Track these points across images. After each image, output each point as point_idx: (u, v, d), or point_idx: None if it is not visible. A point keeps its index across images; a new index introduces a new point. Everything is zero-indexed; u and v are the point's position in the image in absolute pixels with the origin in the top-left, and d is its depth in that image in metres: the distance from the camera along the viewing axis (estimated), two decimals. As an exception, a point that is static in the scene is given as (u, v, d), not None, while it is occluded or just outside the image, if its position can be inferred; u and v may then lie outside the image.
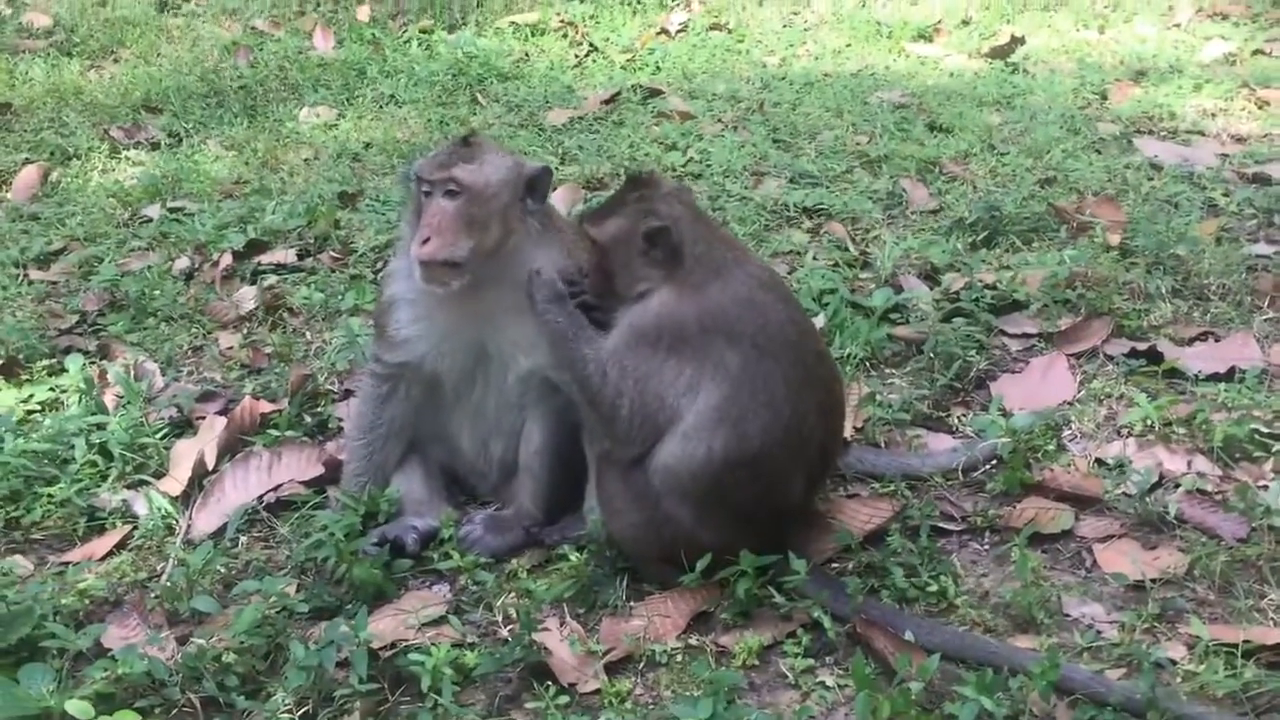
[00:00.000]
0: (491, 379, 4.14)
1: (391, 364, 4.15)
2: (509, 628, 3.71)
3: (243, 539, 4.18)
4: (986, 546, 3.97)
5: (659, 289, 3.68)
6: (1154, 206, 5.96)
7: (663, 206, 3.74)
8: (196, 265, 6.10)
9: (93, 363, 5.20)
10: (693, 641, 3.62)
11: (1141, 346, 4.81)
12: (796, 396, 3.58)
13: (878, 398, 4.61)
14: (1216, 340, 4.88)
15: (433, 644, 3.53)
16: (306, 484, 4.36)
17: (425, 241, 3.86)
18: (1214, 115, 7.28)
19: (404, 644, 3.62)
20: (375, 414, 4.22)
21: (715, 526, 3.64)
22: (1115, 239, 5.53)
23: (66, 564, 4.09)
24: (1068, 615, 3.63)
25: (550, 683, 3.43)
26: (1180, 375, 4.67)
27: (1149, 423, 4.37)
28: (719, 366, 3.55)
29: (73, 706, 3.31)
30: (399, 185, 6.60)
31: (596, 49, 9.18)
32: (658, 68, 8.81)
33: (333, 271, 5.94)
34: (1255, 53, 8.27)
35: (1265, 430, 4.27)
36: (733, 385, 3.54)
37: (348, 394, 4.88)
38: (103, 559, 4.13)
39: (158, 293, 5.72)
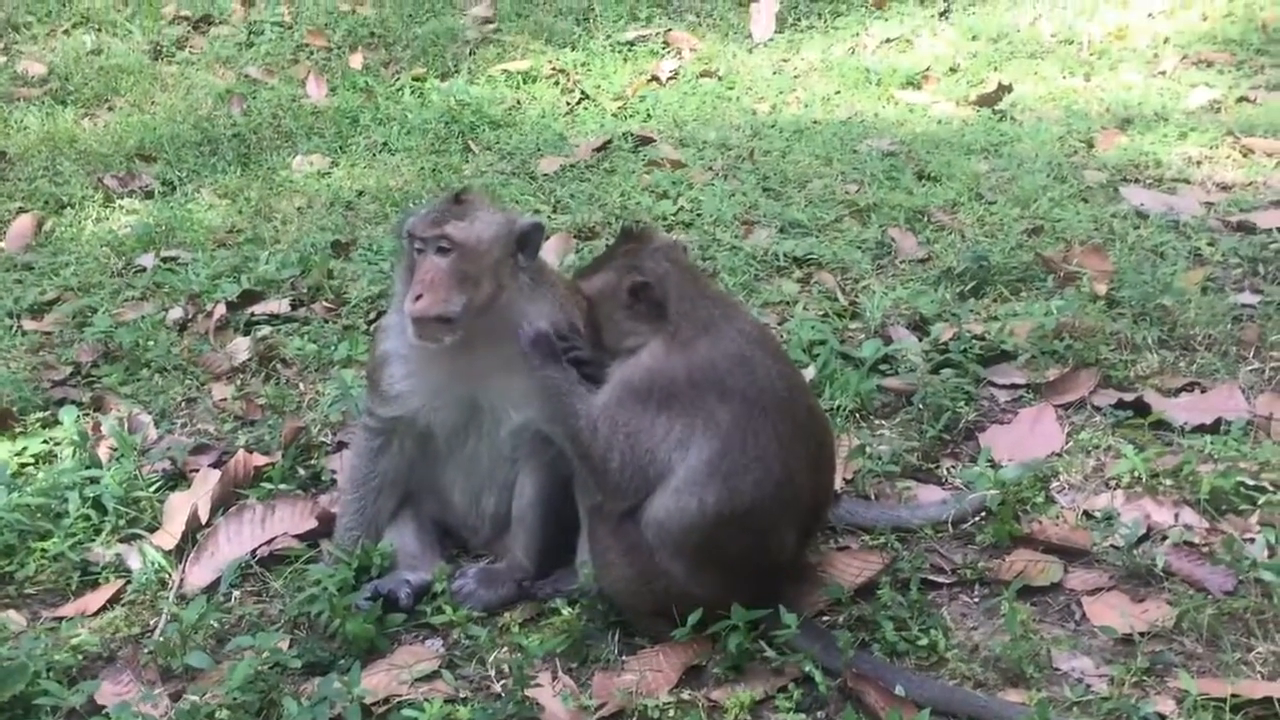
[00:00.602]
0: (484, 433, 4.17)
1: (384, 418, 4.18)
2: (501, 683, 3.73)
3: (236, 593, 4.20)
4: (976, 599, 4.00)
5: (649, 343, 3.72)
6: (1140, 256, 6.01)
7: (649, 262, 3.79)
8: (190, 315, 6.13)
9: (86, 414, 5.21)
10: (684, 696, 3.63)
11: (1128, 397, 4.84)
12: (787, 451, 3.62)
13: (867, 449, 4.64)
14: (1203, 391, 4.92)
15: (426, 699, 3.56)
16: (300, 537, 4.38)
17: (418, 298, 3.89)
18: (1199, 163, 7.34)
19: (397, 699, 3.64)
20: (368, 468, 4.24)
21: (707, 580, 3.66)
22: (1102, 289, 5.58)
23: (60, 619, 4.10)
24: (1057, 669, 3.66)
25: (542, 739, 3.46)
26: (1167, 426, 4.71)
27: (1136, 474, 4.41)
28: (710, 422, 3.59)
29: (66, 765, 3.34)
30: (392, 235, 6.63)
31: (588, 96, 9.25)
32: (649, 115, 8.88)
33: (326, 322, 5.97)
34: (1240, 100, 8.34)
35: (1251, 482, 4.31)
36: (724, 440, 3.57)
37: (341, 446, 4.90)
38: (96, 614, 4.14)
39: (151, 343, 5.75)
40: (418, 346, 3.99)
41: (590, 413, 3.72)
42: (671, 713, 3.57)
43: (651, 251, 3.83)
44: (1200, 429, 4.66)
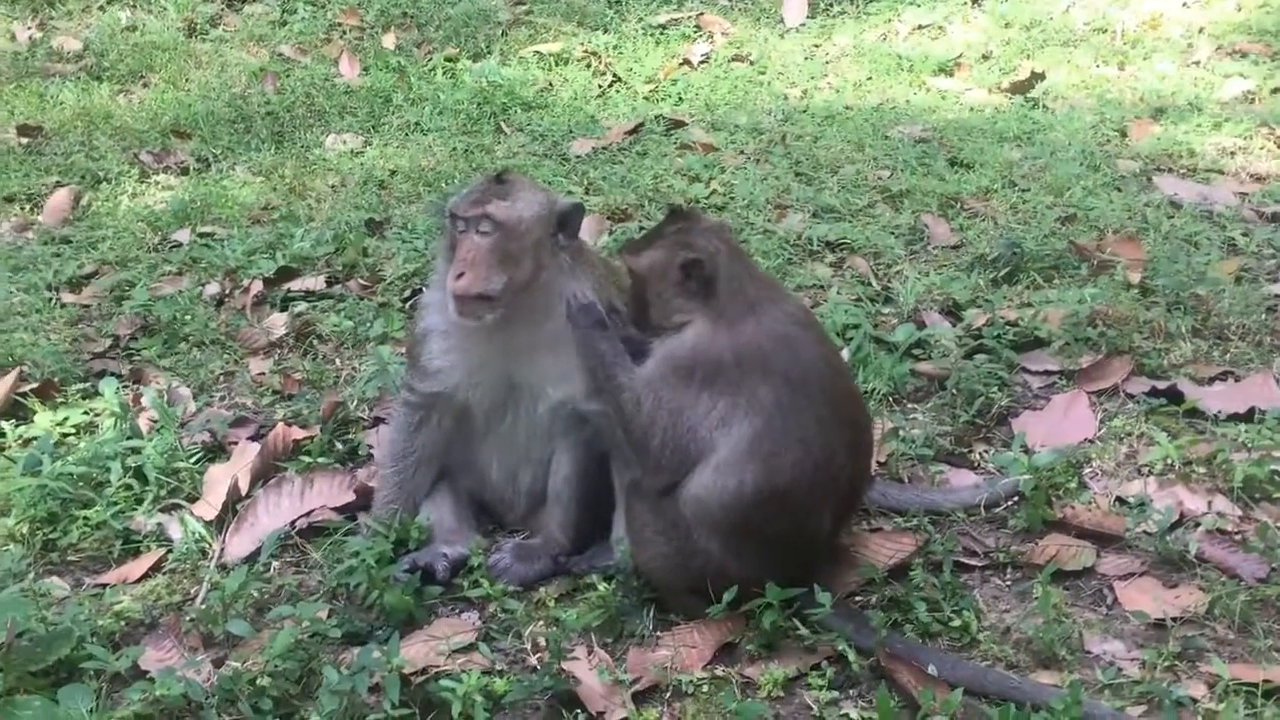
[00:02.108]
0: (521, 410, 4.21)
1: (424, 394, 4.23)
2: (537, 656, 3.77)
3: (275, 564, 4.26)
4: (1008, 582, 4.02)
5: (694, 321, 3.75)
6: (1174, 245, 6.01)
7: (700, 240, 3.81)
8: (227, 291, 6.19)
9: (126, 386, 5.28)
10: (718, 672, 3.67)
11: (1162, 385, 4.85)
12: (827, 433, 3.64)
13: (900, 433, 4.67)
14: (1236, 380, 4.93)
15: (463, 671, 3.58)
16: (338, 510, 4.45)
17: (459, 276, 3.94)
18: (1233, 154, 7.33)
19: (434, 670, 3.67)
20: (407, 442, 4.29)
21: (744, 559, 3.70)
22: (1135, 277, 5.58)
23: (102, 586, 4.17)
24: (1089, 652, 3.68)
25: (579, 711, 3.50)
26: (1200, 415, 4.72)
27: (1169, 462, 4.43)
28: (753, 401, 3.61)
29: (111, 727, 3.40)
30: (427, 215, 6.68)
31: (620, 79, 9.26)
32: (680, 99, 8.89)
33: (361, 299, 6.02)
34: (1274, 91, 8.30)
35: (1285, 471, 4.32)
36: (766, 420, 3.60)
37: (377, 421, 4.95)
38: (138, 581, 4.21)
39: (189, 318, 5.81)
40: (458, 323, 4.03)
41: (634, 386, 3.75)
42: (705, 688, 3.60)
43: (702, 230, 3.86)
44: (1234, 418, 4.67)
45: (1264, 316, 5.34)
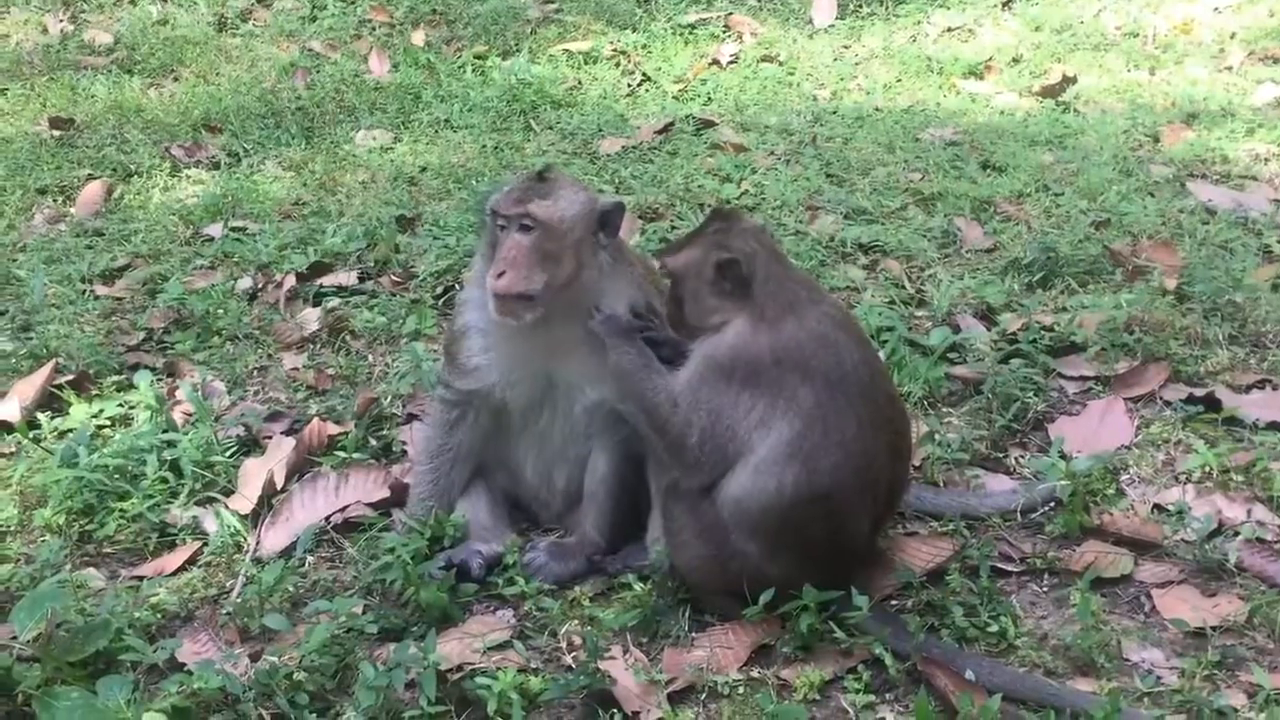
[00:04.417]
0: (559, 409, 4.21)
1: (461, 391, 4.23)
2: (572, 654, 3.78)
3: (310, 559, 4.27)
4: (1045, 588, 4.01)
5: (733, 321, 3.74)
6: (1209, 251, 5.97)
7: (737, 241, 3.81)
8: (260, 285, 6.20)
9: (160, 380, 5.29)
10: (754, 674, 3.67)
11: (1199, 393, 4.83)
12: (867, 436, 3.64)
13: (936, 437, 4.65)
14: (1274, 389, 4.90)
15: (499, 668, 3.59)
16: (373, 506, 4.46)
17: (500, 275, 3.94)
18: (1267, 160, 7.29)
19: (470, 668, 3.68)
20: (443, 439, 4.29)
21: (782, 561, 3.69)
22: (1171, 283, 5.55)
23: (139, 578, 4.20)
24: (1127, 660, 3.67)
25: (614, 711, 3.49)
26: (1238, 423, 4.69)
27: (1207, 470, 4.41)
28: (792, 402, 3.61)
29: (149, 719, 3.40)
30: (460, 212, 6.69)
31: (649, 78, 9.25)
32: (709, 98, 8.88)
33: (393, 295, 6.02)
34: (1308, 98, 8.29)
35: (1324, 482, 4.30)
36: (805, 422, 3.59)
37: (411, 418, 4.96)
38: (173, 574, 4.23)
39: (222, 312, 5.82)
40: (498, 322, 4.03)
41: (671, 388, 3.75)
42: (741, 690, 3.60)
43: (740, 231, 3.85)
44: (1272, 426, 4.65)
45: (1301, 325, 5.31)
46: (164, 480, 4.54)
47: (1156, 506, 4.30)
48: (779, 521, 3.63)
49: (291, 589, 4.07)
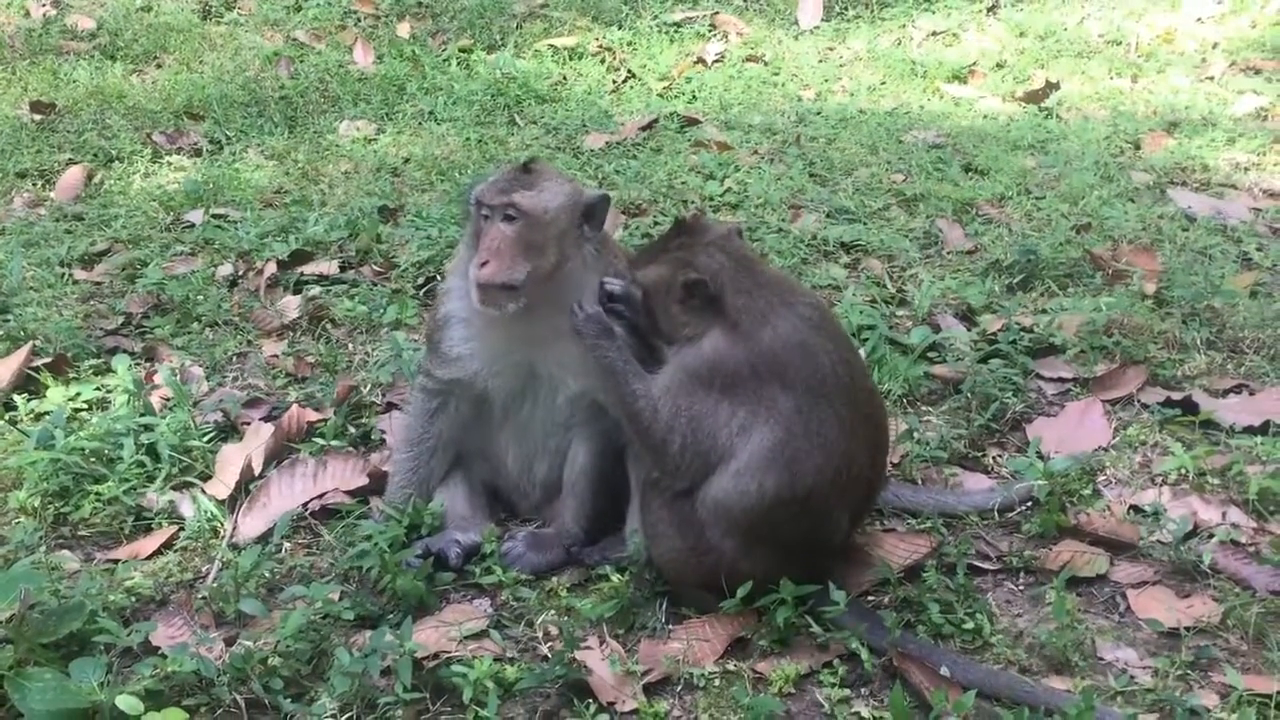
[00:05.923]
0: (540, 399, 4.20)
1: (442, 380, 4.22)
2: (549, 644, 3.78)
3: (287, 544, 4.25)
4: (1021, 587, 4.02)
5: (709, 332, 3.71)
6: (1189, 257, 6.01)
7: (703, 258, 3.77)
8: (240, 272, 6.18)
9: (138, 364, 5.26)
10: (730, 667, 3.67)
11: (1177, 396, 4.86)
12: (849, 437, 3.64)
13: (915, 435, 4.67)
14: (1251, 393, 4.93)
15: (475, 657, 3.59)
16: (350, 493, 4.45)
17: (484, 264, 3.92)
18: (1246, 169, 7.33)
19: (446, 656, 3.67)
20: (423, 428, 4.28)
21: (759, 558, 3.70)
22: (1151, 288, 5.58)
23: (113, 562, 4.17)
24: (1101, 658, 3.68)
25: (590, 701, 3.49)
26: (1215, 426, 4.72)
27: (1184, 472, 4.43)
28: (772, 409, 3.60)
29: (123, 702, 3.39)
30: (443, 203, 6.68)
31: (634, 75, 9.26)
32: (694, 97, 8.90)
33: (374, 285, 6.01)
34: (1288, 108, 8.34)
35: (1300, 485, 4.32)
36: (786, 428, 3.59)
37: (391, 407, 4.95)
38: (149, 558, 4.20)
39: (202, 298, 5.80)
40: (480, 312, 4.01)
41: (650, 394, 3.73)
42: (717, 682, 3.61)
43: (704, 245, 3.81)
44: (1248, 430, 4.68)
45: (1278, 331, 5.33)
46: (140, 464, 4.52)
47: (1133, 508, 4.31)
48: (758, 521, 3.64)
49: (268, 575, 4.05)
